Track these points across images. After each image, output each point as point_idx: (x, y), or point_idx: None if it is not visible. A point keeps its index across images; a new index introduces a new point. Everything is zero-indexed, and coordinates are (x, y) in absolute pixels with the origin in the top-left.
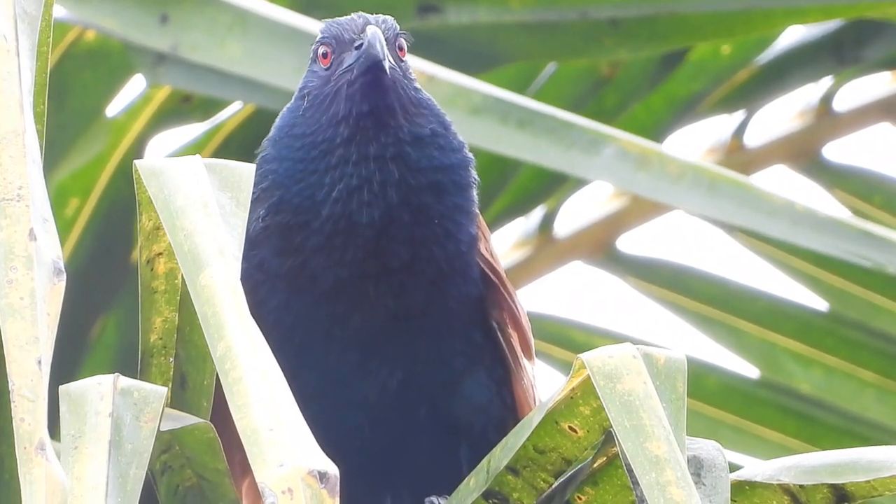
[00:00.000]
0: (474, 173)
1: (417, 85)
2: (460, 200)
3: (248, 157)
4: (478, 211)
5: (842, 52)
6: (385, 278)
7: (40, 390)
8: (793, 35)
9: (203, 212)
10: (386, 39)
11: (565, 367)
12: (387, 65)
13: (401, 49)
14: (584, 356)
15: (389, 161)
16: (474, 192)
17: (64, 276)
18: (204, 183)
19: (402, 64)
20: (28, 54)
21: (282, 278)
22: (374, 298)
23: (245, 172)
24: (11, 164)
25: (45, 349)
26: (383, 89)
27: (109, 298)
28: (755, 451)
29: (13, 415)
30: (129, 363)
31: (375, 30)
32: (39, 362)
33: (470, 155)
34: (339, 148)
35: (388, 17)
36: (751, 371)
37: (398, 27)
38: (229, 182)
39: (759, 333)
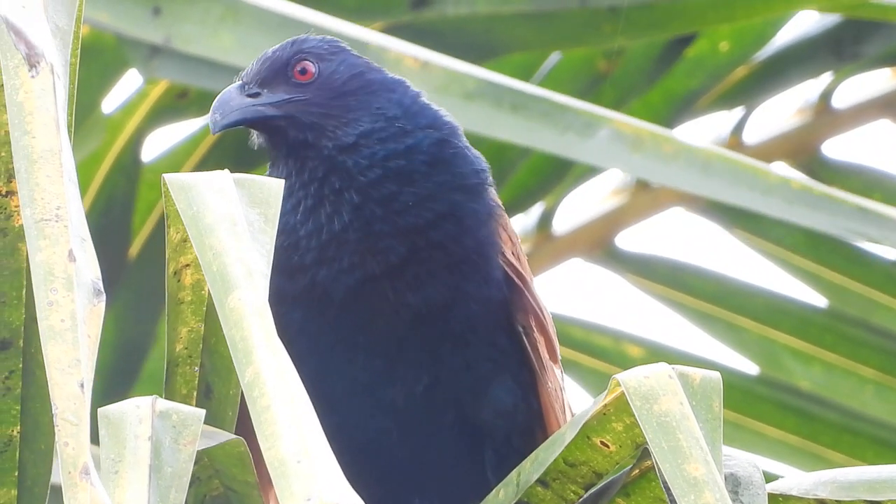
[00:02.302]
0: (456, 146)
1: (348, 88)
2: (444, 177)
3: (243, 152)
4: (494, 198)
5: (841, 49)
6: (398, 274)
7: (83, 414)
8: (792, 31)
9: (231, 231)
10: (275, 68)
11: (565, 364)
12: (217, 122)
13: (304, 73)
14: (620, 376)
15: (327, 176)
16: (469, 166)
17: (104, 297)
18: (232, 199)
19: (313, 82)
20: (62, 70)
21: (299, 300)
22: (393, 299)
23: (274, 188)
24: (49, 184)
25: (87, 372)
26: (279, 131)
27: (107, 294)
28: (755, 447)
29: (56, 439)
30: (127, 359)
31: (221, 96)
32: (82, 385)
33: (444, 129)
34: (286, 182)
35: (286, 44)
36: (750, 368)
37: (298, 51)
38: (258, 198)
39: (759, 330)
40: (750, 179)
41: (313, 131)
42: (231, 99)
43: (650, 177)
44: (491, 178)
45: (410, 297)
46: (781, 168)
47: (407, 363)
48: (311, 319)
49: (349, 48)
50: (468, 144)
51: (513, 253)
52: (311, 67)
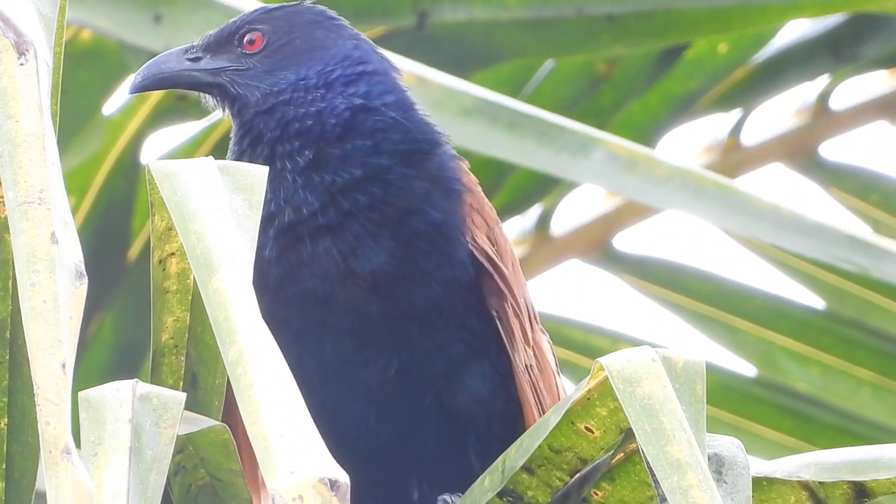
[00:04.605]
0: (384, 115)
1: (290, 63)
2: (362, 141)
3: None
4: (461, 177)
5: (839, 50)
6: (337, 235)
7: (65, 394)
8: (790, 33)
9: (216, 215)
10: (223, 36)
11: (563, 365)
12: (136, 83)
13: (252, 43)
14: (603, 360)
15: (244, 137)
16: (403, 133)
17: (86, 280)
18: (217, 185)
19: (259, 52)
20: (48, 57)
21: (259, 282)
22: (340, 264)
23: (258, 174)
24: (32, 167)
25: (69, 353)
26: (215, 95)
27: (106, 296)
28: (752, 449)
29: (38, 419)
30: (126, 361)
31: (157, 58)
32: (63, 366)
33: (376, 101)
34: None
35: (247, 12)
36: (747, 369)
37: (248, 21)
38: (242, 184)
39: (756, 332)
40: (741, 204)
41: (239, 101)
42: (165, 62)
43: (643, 199)
44: (447, 150)
45: (355, 263)
46: (781, 184)
47: (377, 345)
48: (278, 303)
49: (327, 20)
50: (422, 117)
51: (487, 237)
52: (260, 38)
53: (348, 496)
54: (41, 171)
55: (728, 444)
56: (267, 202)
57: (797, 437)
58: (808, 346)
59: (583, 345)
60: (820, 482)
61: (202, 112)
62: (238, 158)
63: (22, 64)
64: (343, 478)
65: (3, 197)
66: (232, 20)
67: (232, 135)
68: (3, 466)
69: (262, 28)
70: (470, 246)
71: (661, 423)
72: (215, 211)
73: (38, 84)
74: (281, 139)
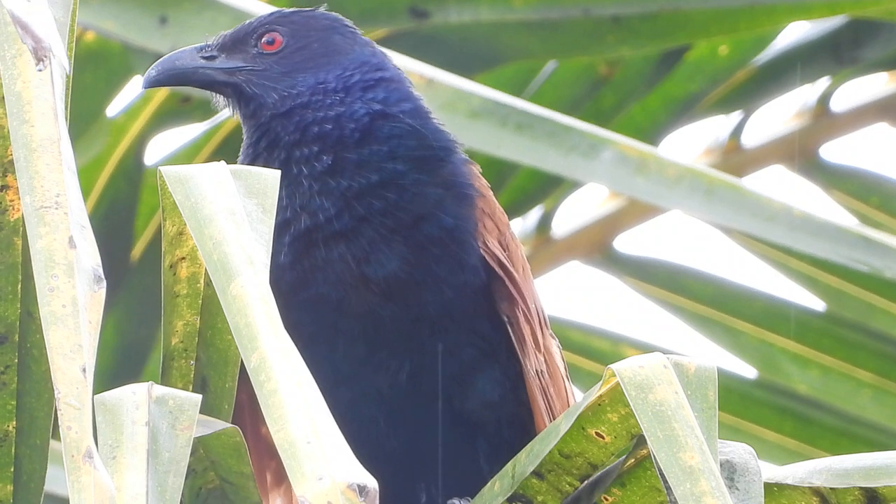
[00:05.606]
0: (401, 121)
1: (308, 65)
2: (378, 147)
3: None
4: (474, 182)
5: (839, 53)
6: (351, 240)
7: (86, 398)
8: (791, 35)
9: (231, 220)
10: (240, 35)
11: None
12: (150, 77)
13: (271, 43)
14: (615, 366)
15: (260, 139)
16: (418, 140)
17: (104, 284)
18: (230, 190)
19: (277, 53)
20: (59, 61)
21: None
22: (354, 270)
23: (270, 178)
24: (48, 172)
25: (89, 357)
26: (228, 96)
27: (108, 298)
28: None
29: (59, 423)
30: (128, 363)
31: (171, 54)
32: (84, 370)
33: (394, 107)
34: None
35: (267, 13)
36: (748, 371)
37: (268, 22)
38: (255, 188)
39: (757, 334)
40: (753, 206)
41: (255, 102)
42: (179, 58)
43: (653, 200)
44: (460, 156)
45: (368, 269)
46: (782, 186)
47: (389, 350)
48: (290, 307)
49: (343, 27)
50: (437, 125)
51: (499, 242)
52: (280, 39)
53: (377, 501)
54: (57, 175)
55: (740, 451)
56: (283, 208)
57: (798, 440)
58: (808, 349)
59: (583, 347)
60: (831, 488)
61: (205, 114)
62: (253, 161)
63: (40, 70)
64: (371, 483)
65: (14, 200)
66: (248, 21)
67: (245, 136)
68: (12, 469)
69: (281, 30)
70: (482, 251)
71: (673, 430)
72: (230, 215)
73: (52, 88)
74: (299, 143)
